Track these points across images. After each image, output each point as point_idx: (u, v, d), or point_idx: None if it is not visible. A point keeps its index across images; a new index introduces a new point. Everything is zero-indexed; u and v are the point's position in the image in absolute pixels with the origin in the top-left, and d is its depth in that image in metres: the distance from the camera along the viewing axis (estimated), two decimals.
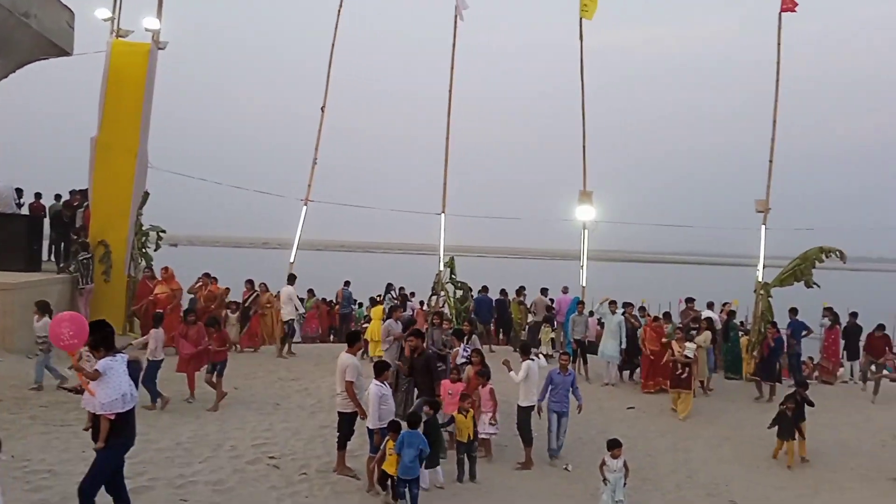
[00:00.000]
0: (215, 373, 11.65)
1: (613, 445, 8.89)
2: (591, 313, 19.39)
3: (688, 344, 13.72)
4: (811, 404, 11.64)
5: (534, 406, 10.62)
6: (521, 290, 20.01)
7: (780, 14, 16.29)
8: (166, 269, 15.64)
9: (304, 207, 17.64)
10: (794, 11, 16.30)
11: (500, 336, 19.64)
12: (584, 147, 18.09)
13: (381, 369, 9.20)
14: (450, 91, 17.55)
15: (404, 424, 8.54)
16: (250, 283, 17.27)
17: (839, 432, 13.01)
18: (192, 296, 16.45)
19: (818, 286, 16.24)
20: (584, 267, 18.59)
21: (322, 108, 17.55)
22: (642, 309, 15.69)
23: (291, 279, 16.92)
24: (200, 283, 16.57)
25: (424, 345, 11.14)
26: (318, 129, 17.53)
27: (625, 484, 8.81)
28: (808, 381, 16.84)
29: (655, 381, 15.15)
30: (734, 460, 11.67)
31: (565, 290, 19.29)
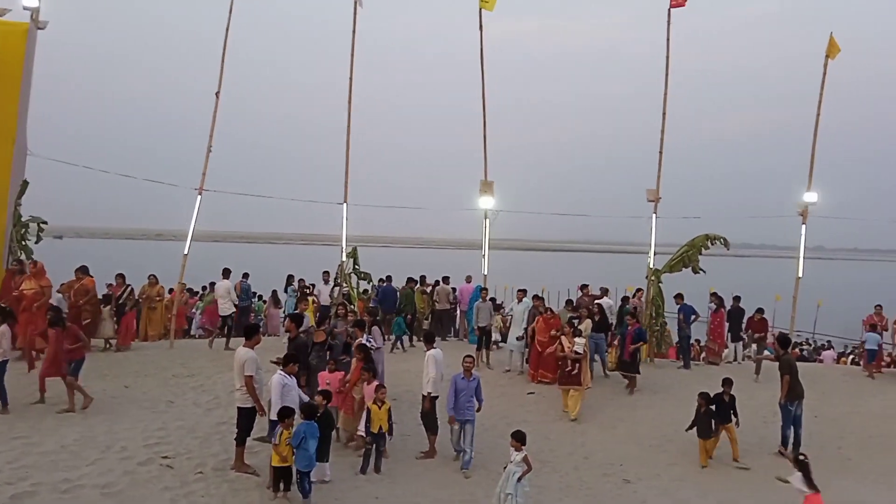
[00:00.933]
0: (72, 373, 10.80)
1: (515, 438, 8.66)
2: (494, 300, 19.68)
3: (577, 339, 13.28)
4: (732, 408, 11.39)
5: (438, 396, 10.66)
6: (424, 280, 20.07)
7: (669, 10, 16.95)
8: (35, 263, 14.44)
9: (199, 197, 16.95)
10: (683, 5, 16.97)
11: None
12: (484, 137, 18.26)
13: (286, 361, 9.04)
14: (350, 79, 17.29)
15: (298, 414, 8.38)
16: (121, 276, 16.34)
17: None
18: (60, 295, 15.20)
19: (704, 272, 17.14)
20: (486, 256, 18.81)
21: (217, 94, 16.84)
22: (537, 296, 15.88)
23: (226, 273, 16.78)
24: (72, 281, 15.36)
25: (298, 331, 10.94)
26: (213, 116, 16.84)
27: (520, 479, 8.38)
28: (695, 362, 17.81)
29: (540, 373, 14.88)
30: (629, 440, 12.14)
31: (469, 280, 19.48)
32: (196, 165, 16.74)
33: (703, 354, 18.98)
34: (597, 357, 15.33)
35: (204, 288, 21.22)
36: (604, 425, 12.75)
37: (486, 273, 18.79)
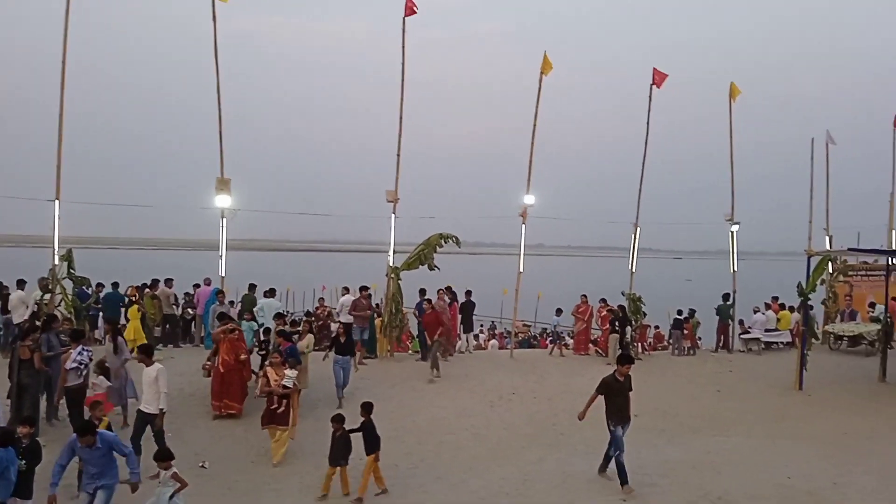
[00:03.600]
0: None
1: (159, 458, 8.09)
2: (233, 303, 18.89)
3: (288, 372, 11.19)
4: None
5: (155, 413, 9.97)
6: (155, 284, 18.65)
7: (404, 18, 17.57)
8: None
9: None
10: (415, 13, 17.68)
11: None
12: (220, 133, 17.48)
13: None
14: (63, 60, 15.45)
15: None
16: None
17: (455, 400, 14.60)
18: None
19: (439, 269, 18.06)
20: (224, 257, 18.02)
21: None
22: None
23: (21, 284, 16.29)
24: None
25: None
26: None
27: (172, 497, 7.86)
28: None
29: (225, 403, 12.57)
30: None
31: (208, 282, 18.45)
32: None
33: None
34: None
35: None
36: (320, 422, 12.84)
37: (223, 275, 18.02)
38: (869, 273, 23.32)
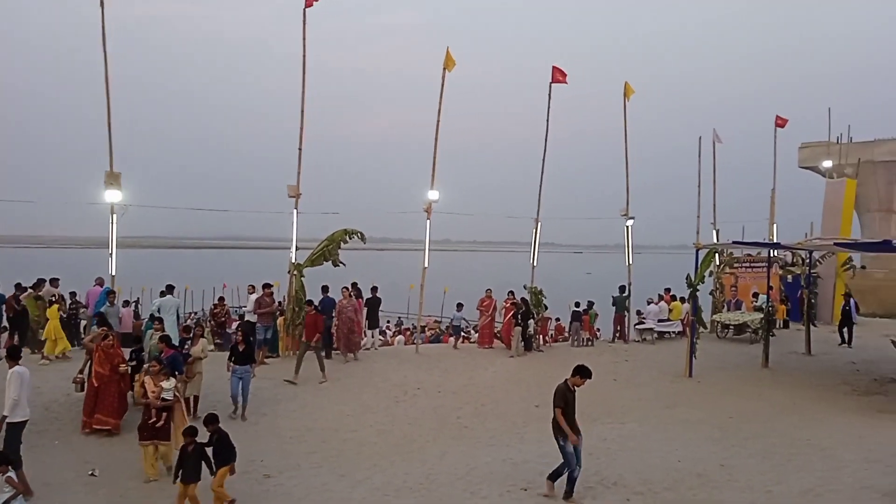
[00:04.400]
0: None
1: None
2: (127, 303, 18.08)
3: (165, 384, 10.26)
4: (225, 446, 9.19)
5: (24, 422, 9.37)
6: (39, 284, 17.54)
7: (304, 10, 17.26)
8: None
9: None
10: (310, 6, 17.43)
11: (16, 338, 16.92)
12: (108, 125, 16.60)
13: None
14: None
15: None
16: None
17: (359, 398, 14.50)
18: None
19: (345, 265, 17.87)
20: (114, 254, 17.17)
21: None
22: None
23: None
24: None
25: None
26: None
27: (7, 502, 7.61)
28: (336, 351, 18.47)
29: (96, 419, 11.42)
30: (270, 434, 12.17)
31: (100, 282, 17.48)
32: None
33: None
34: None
35: None
36: (243, 424, 12.56)
37: (114, 273, 17.16)
38: (752, 265, 24.77)
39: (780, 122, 25.28)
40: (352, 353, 17.26)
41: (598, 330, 22.12)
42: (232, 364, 12.94)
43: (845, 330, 20.73)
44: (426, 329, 30.55)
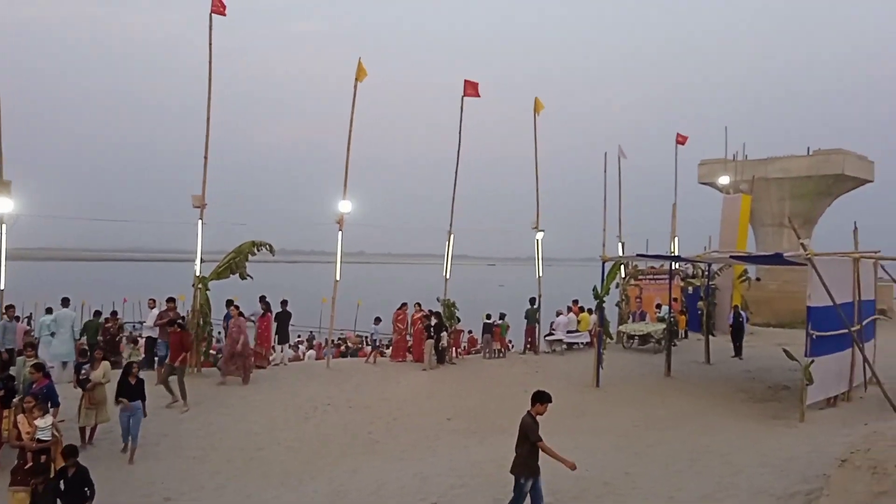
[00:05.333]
0: None
1: None
2: (19, 318, 17.00)
3: (40, 422, 9.11)
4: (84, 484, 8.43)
5: None
6: None
7: (210, 15, 16.79)
8: None
9: None
10: (224, 15, 17.03)
11: None
12: None
13: None
14: None
15: None
16: None
17: (267, 415, 14.10)
18: None
19: (252, 277, 17.39)
20: (2, 267, 16.11)
21: None
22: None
23: None
24: None
25: None
26: None
27: None
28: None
29: None
30: (171, 455, 11.67)
31: None
32: None
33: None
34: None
35: None
36: (141, 445, 11.98)
37: (2, 288, 16.10)
38: (656, 277, 25.70)
39: (681, 140, 26.41)
40: (237, 376, 15.86)
41: (510, 342, 22.34)
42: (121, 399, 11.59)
43: (737, 342, 21.48)
44: (348, 343, 30.16)
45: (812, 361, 13.49)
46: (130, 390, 11.67)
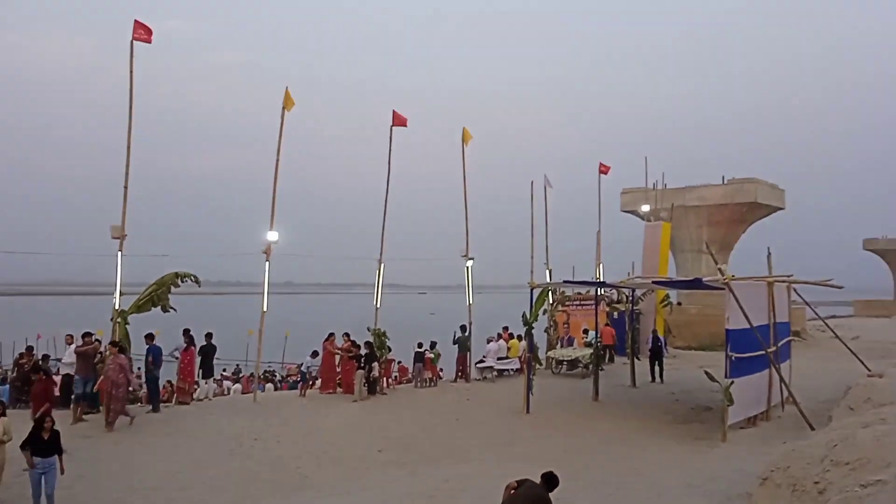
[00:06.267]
0: None
1: None
2: None
3: None
4: None
5: None
6: None
7: (132, 42, 16.38)
8: None
9: None
10: (149, 42, 16.64)
11: None
12: None
13: None
14: None
15: None
16: None
17: (191, 452, 13.60)
18: None
19: (175, 310, 16.84)
20: None
21: None
22: None
23: None
24: None
25: None
26: None
27: None
28: (166, 404, 17.37)
29: None
30: (89, 498, 11.09)
31: None
32: None
33: (175, 395, 18.57)
34: None
35: None
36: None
37: None
38: (583, 303, 26.19)
39: (604, 169, 27.16)
40: (112, 418, 14.58)
41: (441, 370, 22.29)
42: (31, 456, 10.29)
43: (657, 366, 21.60)
44: (289, 377, 29.45)
45: (732, 382, 13.96)
46: (44, 446, 10.39)
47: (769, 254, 16.48)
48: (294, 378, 28.17)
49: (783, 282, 16.73)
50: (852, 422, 9.26)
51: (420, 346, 20.93)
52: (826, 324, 21.31)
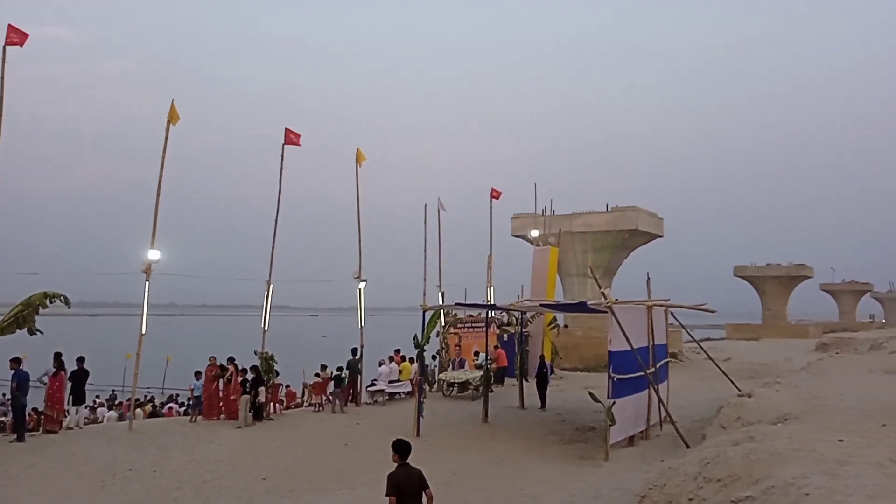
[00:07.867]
0: None
1: None
2: None
3: None
4: None
5: None
6: None
7: (4, 47, 15.38)
8: None
9: None
10: (21, 45, 15.69)
11: None
12: None
13: None
14: None
15: None
16: None
17: (58, 484, 12.66)
18: None
19: (42, 332, 15.76)
20: None
21: None
22: None
23: None
24: None
25: None
26: None
27: None
28: (32, 433, 16.12)
29: None
30: None
31: None
32: None
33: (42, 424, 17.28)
34: None
35: None
36: None
37: None
38: (474, 325, 26.52)
39: (495, 194, 27.79)
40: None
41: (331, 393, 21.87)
42: None
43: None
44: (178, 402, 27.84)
45: (614, 403, 14.48)
46: None
47: (648, 279, 17.29)
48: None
49: (661, 306, 17.57)
50: (724, 440, 9.79)
51: (340, 369, 20.53)
52: (700, 346, 22.56)
